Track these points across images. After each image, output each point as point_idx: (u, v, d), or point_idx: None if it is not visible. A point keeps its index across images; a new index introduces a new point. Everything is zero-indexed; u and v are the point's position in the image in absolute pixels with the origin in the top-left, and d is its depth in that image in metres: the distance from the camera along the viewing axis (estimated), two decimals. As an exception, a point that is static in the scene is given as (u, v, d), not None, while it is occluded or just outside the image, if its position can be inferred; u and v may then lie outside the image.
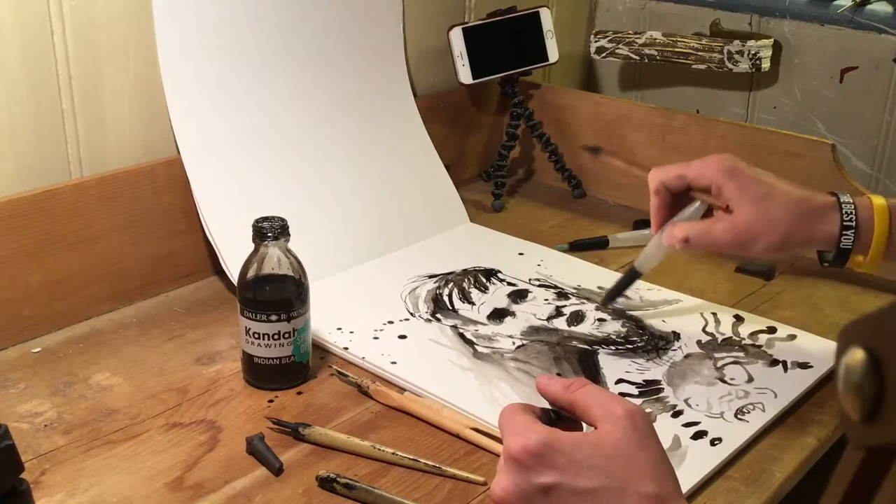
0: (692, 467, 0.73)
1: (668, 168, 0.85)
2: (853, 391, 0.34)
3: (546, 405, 0.61)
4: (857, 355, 0.34)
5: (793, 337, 0.94)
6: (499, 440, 0.76)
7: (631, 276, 0.92)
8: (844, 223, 0.78)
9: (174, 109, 0.97)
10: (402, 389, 0.83)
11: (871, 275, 0.89)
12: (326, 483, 0.71)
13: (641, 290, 1.03)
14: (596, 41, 1.41)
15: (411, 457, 0.74)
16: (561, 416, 0.59)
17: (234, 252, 0.95)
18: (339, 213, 1.08)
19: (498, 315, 0.97)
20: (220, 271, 1.00)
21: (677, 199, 0.85)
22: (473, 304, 0.99)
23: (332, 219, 1.06)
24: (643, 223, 1.21)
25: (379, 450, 0.74)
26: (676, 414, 0.80)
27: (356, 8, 1.12)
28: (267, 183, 1.03)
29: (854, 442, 0.35)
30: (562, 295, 1.01)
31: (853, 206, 0.79)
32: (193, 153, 0.98)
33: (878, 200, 0.79)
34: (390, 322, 0.94)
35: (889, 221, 0.78)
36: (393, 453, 0.74)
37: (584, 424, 0.59)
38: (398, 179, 1.15)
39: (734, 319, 0.97)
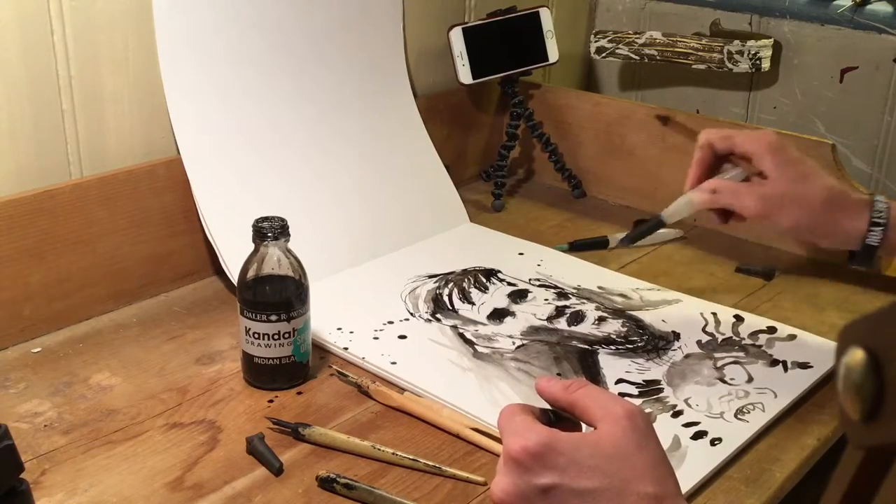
0: (692, 467, 0.73)
1: (719, 129, 0.87)
2: (853, 391, 0.34)
3: (546, 406, 0.61)
4: (857, 355, 0.34)
5: (793, 337, 0.94)
6: (499, 440, 0.76)
7: (656, 223, 0.93)
8: (873, 220, 0.79)
9: (174, 109, 0.97)
10: (402, 389, 0.83)
11: (876, 275, 0.89)
12: (326, 483, 0.71)
13: (641, 290, 1.03)
14: (596, 41, 1.41)
15: (411, 457, 0.74)
16: (560, 417, 0.59)
17: (234, 252, 0.95)
18: (339, 213, 1.08)
19: (498, 315, 0.97)
20: (220, 271, 1.00)
21: (719, 162, 0.87)
22: (473, 304, 0.99)
23: (332, 219, 1.06)
24: (643, 223, 1.21)
25: (379, 450, 0.74)
26: (676, 414, 0.80)
27: (356, 8, 1.12)
28: (267, 183, 1.03)
29: (854, 442, 0.35)
30: (562, 295, 1.01)
31: (886, 206, 0.80)
32: (193, 153, 0.98)
33: None
34: (390, 322, 0.94)
35: None
36: (393, 453, 0.74)
37: (583, 425, 0.59)
38: (398, 179, 1.15)
39: (734, 319, 0.97)
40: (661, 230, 1.18)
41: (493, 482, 0.56)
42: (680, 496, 0.55)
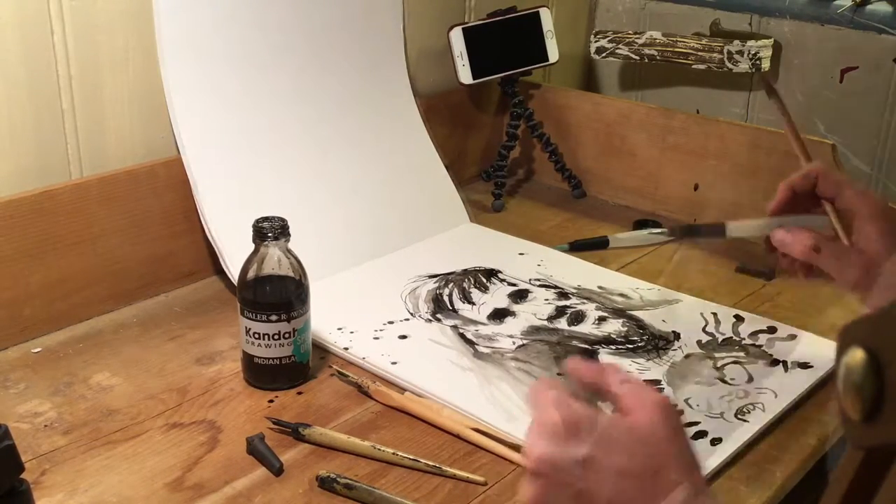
0: (692, 467, 0.73)
1: (833, 172, 0.82)
2: (853, 391, 0.34)
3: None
4: (857, 355, 0.34)
5: (793, 337, 0.94)
6: (499, 441, 0.76)
7: (716, 229, 0.87)
8: None
9: (175, 109, 0.97)
10: (402, 389, 0.83)
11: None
12: (326, 483, 0.71)
13: (641, 290, 1.03)
14: (596, 41, 1.41)
15: (411, 457, 0.74)
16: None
17: (234, 252, 0.95)
18: (339, 212, 1.08)
19: (498, 315, 0.97)
20: (220, 271, 1.00)
21: (810, 196, 0.81)
22: (474, 304, 0.99)
23: (332, 219, 1.06)
24: (643, 223, 1.21)
25: (379, 450, 0.74)
26: (676, 414, 0.80)
27: (356, 8, 1.12)
28: (267, 183, 1.03)
29: (854, 442, 0.35)
30: (562, 295, 1.01)
31: None
32: (194, 153, 0.98)
33: None
34: (391, 322, 0.94)
35: None
36: (393, 453, 0.74)
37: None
38: (398, 179, 1.15)
39: (734, 319, 0.97)
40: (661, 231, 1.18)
41: (526, 448, 0.54)
42: (708, 488, 0.54)
